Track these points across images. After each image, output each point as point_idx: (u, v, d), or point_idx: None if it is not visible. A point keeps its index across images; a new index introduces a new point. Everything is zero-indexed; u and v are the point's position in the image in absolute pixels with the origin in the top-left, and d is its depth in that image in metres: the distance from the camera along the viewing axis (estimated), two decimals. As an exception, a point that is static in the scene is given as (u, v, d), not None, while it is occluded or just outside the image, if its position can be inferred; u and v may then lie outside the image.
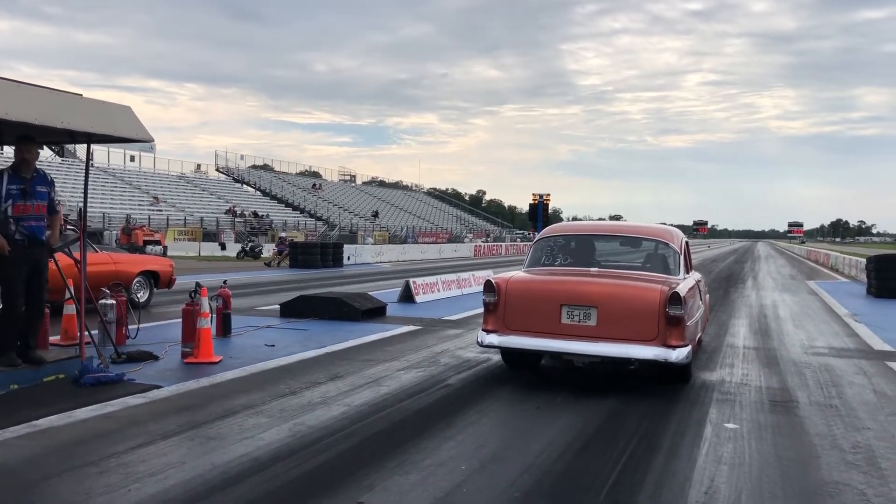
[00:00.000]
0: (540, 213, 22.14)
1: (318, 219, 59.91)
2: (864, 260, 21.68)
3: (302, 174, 79.90)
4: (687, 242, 8.82)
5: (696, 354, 7.75)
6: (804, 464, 4.97)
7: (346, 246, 32.00)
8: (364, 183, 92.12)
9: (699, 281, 8.92)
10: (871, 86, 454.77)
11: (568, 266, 7.98)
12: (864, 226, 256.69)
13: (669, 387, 7.28)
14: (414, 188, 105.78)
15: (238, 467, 4.61)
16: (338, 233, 52.79)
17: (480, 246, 47.35)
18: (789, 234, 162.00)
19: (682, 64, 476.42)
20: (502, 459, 4.88)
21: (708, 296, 10.60)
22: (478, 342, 7.53)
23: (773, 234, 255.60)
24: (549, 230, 9.16)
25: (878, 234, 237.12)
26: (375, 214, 70.50)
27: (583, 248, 8.30)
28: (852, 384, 7.73)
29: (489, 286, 7.48)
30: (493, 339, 7.32)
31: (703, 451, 5.20)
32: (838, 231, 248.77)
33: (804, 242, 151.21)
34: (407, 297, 14.53)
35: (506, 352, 7.86)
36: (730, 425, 5.92)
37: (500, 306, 7.36)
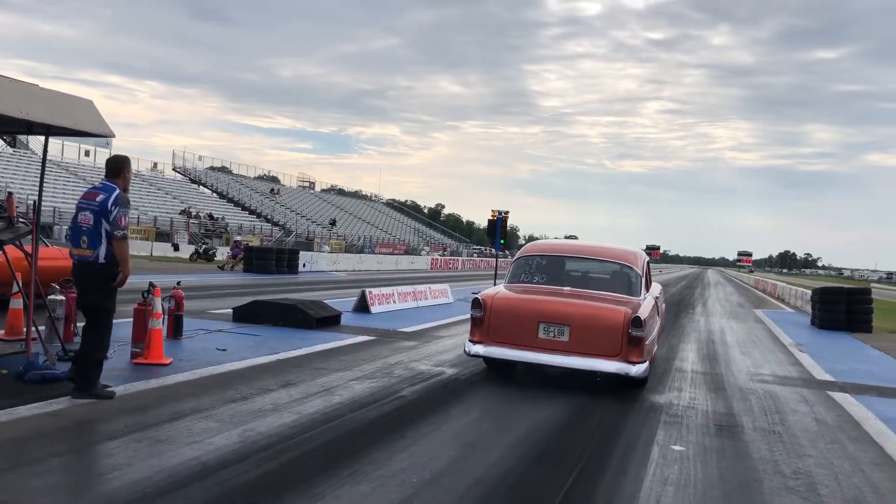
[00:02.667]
0: (498, 229, 22.24)
1: (275, 224, 59.36)
2: (810, 292, 22.26)
3: (260, 178, 79.17)
4: (648, 262, 9.73)
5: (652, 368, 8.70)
6: (747, 487, 5.09)
7: (301, 253, 31.76)
8: (323, 190, 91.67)
9: (657, 297, 9.84)
10: (821, 123, 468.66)
11: (544, 283, 8.83)
12: (810, 258, 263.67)
13: (620, 406, 7.40)
14: (373, 198, 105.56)
15: (185, 471, 4.54)
16: (294, 239, 52.40)
17: (437, 259, 47.44)
18: (739, 263, 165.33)
19: (641, 91, 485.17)
20: (454, 472, 4.89)
21: (664, 305, 11.50)
22: (465, 352, 8.33)
23: (722, 262, 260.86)
24: (527, 249, 9.98)
25: (823, 267, 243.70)
26: (333, 222, 70.12)
27: (556, 266, 9.21)
28: (795, 412, 7.93)
29: (476, 303, 8.30)
30: (479, 349, 8.17)
31: (650, 471, 5.29)
32: (786, 262, 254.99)
33: (753, 272, 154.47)
34: (362, 307, 14.48)
35: (487, 360, 8.57)
36: (676, 447, 6.03)
37: (485, 320, 8.17)
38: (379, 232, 78.13)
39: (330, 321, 12.07)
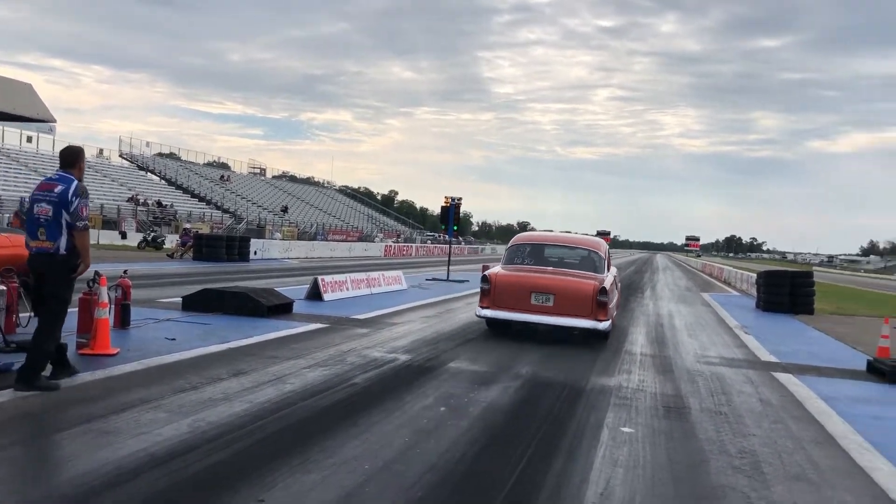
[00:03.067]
0: (451, 216, 22.25)
1: (225, 211, 58.46)
2: (755, 275, 22.79)
3: (210, 165, 77.82)
4: (608, 249, 12.48)
5: (613, 327, 11.71)
6: (695, 467, 5.21)
7: (253, 240, 31.36)
8: (274, 177, 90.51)
9: (616, 276, 13.07)
10: (765, 110, 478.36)
11: (531, 265, 11.50)
12: (755, 242, 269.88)
13: (571, 391, 7.49)
14: (326, 185, 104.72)
15: (133, 463, 4.47)
16: (245, 226, 51.69)
17: (391, 246, 47.30)
18: (686, 248, 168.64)
19: (592, 78, 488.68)
20: (406, 459, 4.90)
21: (619, 283, 14.48)
22: (476, 314, 11.19)
23: (671, 247, 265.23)
24: (517, 239, 12.83)
25: (768, 251, 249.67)
26: (285, 209, 69.36)
27: (540, 252, 11.89)
28: (741, 393, 8.13)
29: (485, 279, 11.06)
30: (487, 312, 10.90)
31: (599, 453, 5.37)
32: (732, 246, 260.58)
33: (700, 256, 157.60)
34: (315, 294, 14.37)
35: (491, 320, 11.17)
36: (626, 429, 6.13)
37: (491, 292, 10.87)
38: (332, 219, 77.55)
39: (282, 309, 11.96)
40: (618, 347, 10.98)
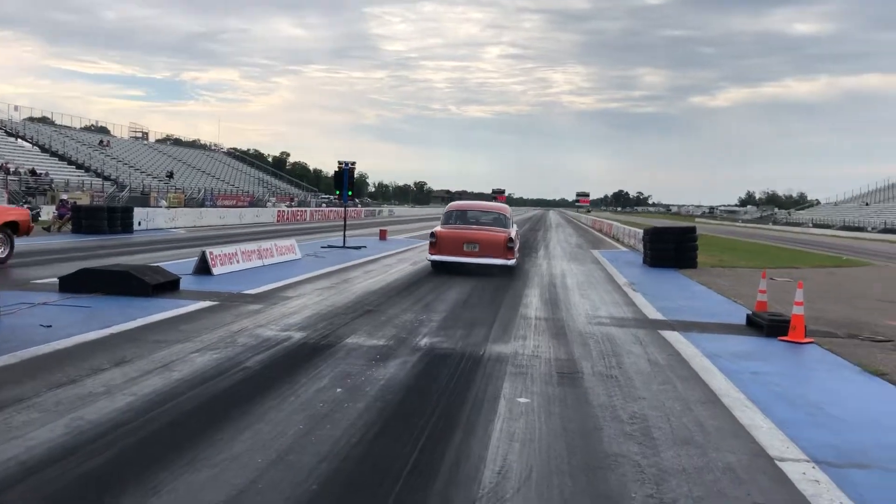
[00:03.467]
0: (346, 180, 21.86)
1: (106, 178, 55.54)
2: (642, 232, 23.57)
3: (87, 129, 73.62)
4: (511, 212, 18.38)
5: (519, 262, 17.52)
6: (588, 436, 5.31)
7: (136, 209, 29.96)
8: (158, 141, 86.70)
9: (517, 230, 18.51)
10: (650, 67, 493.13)
11: (462, 223, 16.73)
12: (641, 196, 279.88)
13: (468, 362, 7.51)
14: (213, 147, 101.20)
15: (1, 474, 4.15)
16: (128, 194, 49.37)
17: (284, 211, 46.26)
18: (577, 204, 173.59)
19: (483, 36, 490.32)
20: (300, 449, 4.77)
21: (519, 235, 19.49)
22: (427, 259, 16.30)
23: (563, 203, 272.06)
24: (450, 207, 18.11)
25: (654, 205, 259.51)
26: (170, 175, 66.65)
27: (465, 215, 17.25)
28: (630, 353, 8.37)
29: (432, 234, 16.03)
30: (435, 257, 15.85)
31: (497, 427, 5.40)
32: (620, 201, 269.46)
33: (590, 211, 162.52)
34: (203, 268, 13.86)
35: (437, 262, 15.97)
36: (522, 400, 6.19)
37: (437, 243, 15.83)
38: (221, 184, 75.14)
39: (168, 287, 11.46)
40: (514, 311, 11.13)
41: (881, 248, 46.50)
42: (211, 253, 14.16)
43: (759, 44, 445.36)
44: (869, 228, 78.04)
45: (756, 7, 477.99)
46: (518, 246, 17.56)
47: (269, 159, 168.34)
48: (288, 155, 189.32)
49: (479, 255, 15.62)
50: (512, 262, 15.69)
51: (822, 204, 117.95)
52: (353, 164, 22.24)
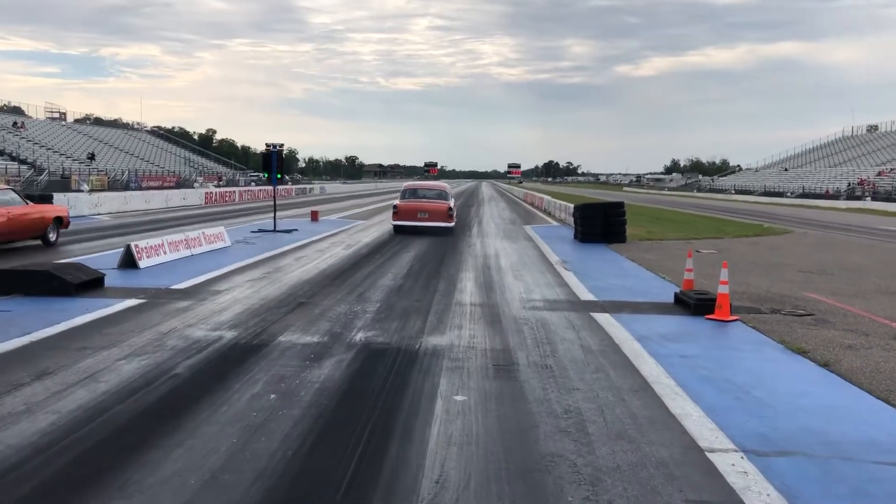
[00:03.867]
0: (274, 163, 21.45)
1: (22, 162, 53.17)
2: (573, 207, 23.86)
3: (0, 110, 70.32)
4: (450, 188, 27.31)
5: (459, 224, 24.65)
6: (524, 435, 5.35)
7: (56, 196, 28.74)
8: (77, 121, 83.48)
9: (455, 201, 25.76)
10: (577, 37, 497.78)
11: (414, 198, 23.31)
12: (571, 166, 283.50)
13: (404, 357, 7.48)
14: (136, 126, 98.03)
15: (-83, 514, 3.95)
16: (47, 179, 47.43)
17: (212, 193, 45.14)
18: (509, 175, 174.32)
19: (410, 7, 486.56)
20: (234, 466, 4.67)
21: (457, 204, 28.18)
22: (391, 223, 22.84)
23: (495, 175, 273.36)
24: (406, 186, 25.52)
25: (583, 174, 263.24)
26: (91, 157, 64.28)
27: (417, 192, 24.19)
28: (564, 340, 8.48)
29: (395, 206, 22.63)
30: (397, 223, 22.24)
31: (434, 431, 5.39)
32: (550, 171, 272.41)
33: (521, 182, 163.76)
34: (129, 262, 13.42)
35: (399, 227, 22.15)
36: (458, 398, 6.20)
37: (399, 213, 22.28)
38: (145, 164, 72.93)
39: (92, 285, 11.07)
40: (449, 298, 11.14)
41: (799, 213, 48.32)
42: (136, 245, 13.73)
43: (682, 13, 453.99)
44: (787, 193, 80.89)
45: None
46: (456, 213, 24.24)
47: (195, 137, 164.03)
48: (214, 132, 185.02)
49: (429, 221, 22.14)
50: (452, 224, 22.67)
51: (744, 170, 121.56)
52: (282, 145, 21.83)
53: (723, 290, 9.84)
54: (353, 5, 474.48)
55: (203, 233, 16.69)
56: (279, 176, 22.06)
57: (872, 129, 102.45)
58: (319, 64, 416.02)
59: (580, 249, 19.17)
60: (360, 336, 8.41)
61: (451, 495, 4.33)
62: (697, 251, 19.09)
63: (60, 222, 18.45)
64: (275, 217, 23.25)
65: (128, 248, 13.58)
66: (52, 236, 17.93)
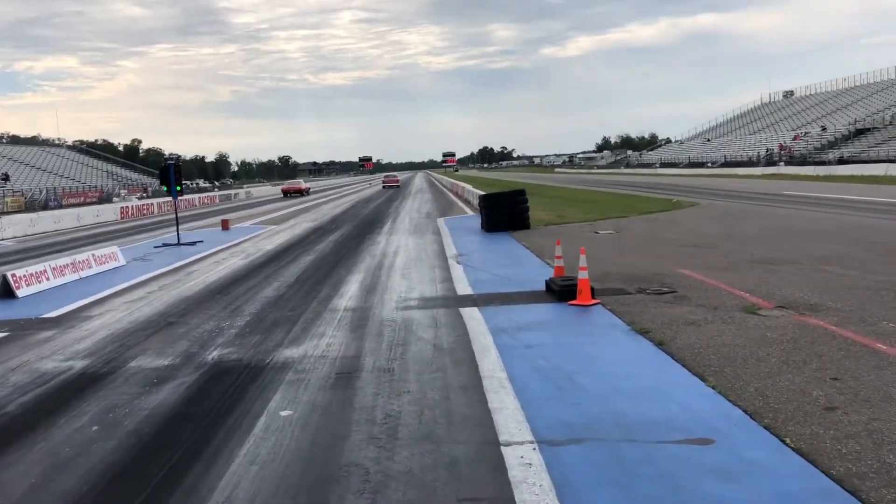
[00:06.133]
0: (172, 176, 21.14)
1: (-72, 190, 51.26)
2: (479, 196, 24.11)
3: None
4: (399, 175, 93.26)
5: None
6: (332, 448, 5.43)
7: (-44, 225, 27.77)
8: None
9: (399, 180, 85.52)
10: (501, 22, 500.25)
11: (387, 178, 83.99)
12: (506, 151, 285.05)
13: (249, 373, 7.50)
14: (56, 143, 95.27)
15: None
16: (-46, 206, 45.78)
17: (128, 207, 44.12)
18: (444, 164, 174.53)
19: (332, 2, 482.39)
20: (21, 509, 4.66)
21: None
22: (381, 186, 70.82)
23: (431, 165, 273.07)
24: (383, 177, 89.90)
25: (518, 158, 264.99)
26: (5, 178, 62.28)
27: (387, 176, 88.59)
28: (420, 340, 8.60)
29: (382, 181, 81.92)
30: (383, 186, 75.92)
31: (243, 451, 5.43)
32: (485, 157, 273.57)
33: (457, 170, 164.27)
34: (6, 292, 13.11)
35: (385, 186, 75.50)
36: (284, 413, 6.25)
37: (384, 182, 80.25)
38: (66, 181, 70.95)
39: (-44, 321, 10.79)
40: (325, 304, 11.18)
41: (714, 183, 49.64)
42: (14, 275, 13.41)
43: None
44: (709, 164, 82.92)
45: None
46: (399, 184, 72.20)
47: (120, 148, 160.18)
48: (140, 142, 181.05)
49: (391, 183, 73.79)
50: (399, 185, 69.48)
51: (672, 143, 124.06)
52: (179, 158, 21.53)
53: (582, 275, 10.11)
54: (276, 3, 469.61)
55: (93, 254, 16.37)
56: (179, 188, 21.73)
57: (788, 94, 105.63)
58: (246, 64, 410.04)
59: (482, 239, 19.41)
60: (213, 355, 8.39)
61: (227, 518, 4.40)
62: (596, 232, 19.57)
63: None
64: (178, 230, 22.91)
65: (3, 277, 13.26)
66: None
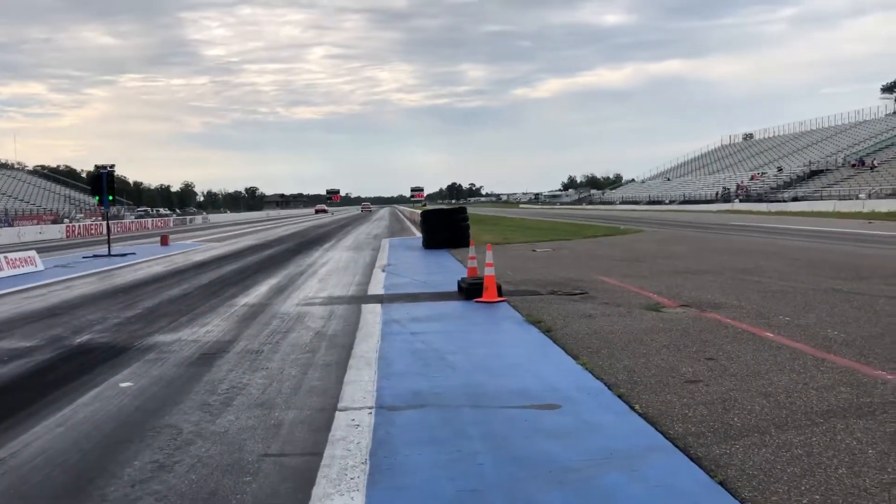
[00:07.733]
0: (104, 185, 20.60)
1: None
2: (419, 215, 23.84)
3: None
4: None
5: None
6: (155, 413, 5.03)
7: None
8: (-57, 163, 78.87)
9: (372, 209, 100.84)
10: (472, 62, 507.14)
11: (364, 207, 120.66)
12: (474, 187, 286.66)
13: (112, 352, 7.08)
14: (16, 167, 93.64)
15: None
16: None
17: (74, 226, 43.19)
18: (412, 199, 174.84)
19: (305, 37, 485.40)
20: None
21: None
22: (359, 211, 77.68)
23: (401, 200, 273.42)
24: (362, 205, 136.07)
25: (486, 195, 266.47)
26: (-46, 198, 60.81)
27: (363, 207, 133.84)
28: (305, 328, 8.25)
29: (360, 208, 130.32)
30: (361, 212, 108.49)
31: (60, 415, 5.02)
32: (454, 193, 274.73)
33: (426, 205, 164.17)
34: None
35: (362, 210, 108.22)
36: (125, 384, 5.86)
37: (361, 209, 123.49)
38: (22, 204, 69.50)
39: None
40: (225, 300, 10.76)
41: (666, 216, 50.03)
42: None
43: (573, 35, 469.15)
44: (667, 201, 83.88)
45: (571, 1, 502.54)
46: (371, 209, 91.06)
47: (84, 175, 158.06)
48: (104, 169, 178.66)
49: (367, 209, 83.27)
50: (371, 211, 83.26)
51: (633, 182, 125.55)
52: (112, 166, 21.03)
53: (489, 272, 9.84)
54: (248, 37, 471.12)
55: (6, 256, 15.76)
56: (111, 198, 21.18)
57: (748, 137, 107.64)
58: (217, 96, 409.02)
59: (418, 255, 19.08)
60: (82, 339, 7.96)
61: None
62: (533, 250, 19.37)
63: None
64: (108, 240, 22.35)
65: None
66: None
